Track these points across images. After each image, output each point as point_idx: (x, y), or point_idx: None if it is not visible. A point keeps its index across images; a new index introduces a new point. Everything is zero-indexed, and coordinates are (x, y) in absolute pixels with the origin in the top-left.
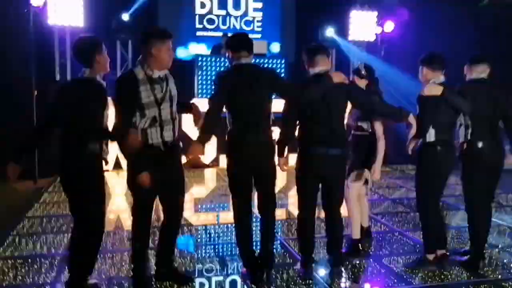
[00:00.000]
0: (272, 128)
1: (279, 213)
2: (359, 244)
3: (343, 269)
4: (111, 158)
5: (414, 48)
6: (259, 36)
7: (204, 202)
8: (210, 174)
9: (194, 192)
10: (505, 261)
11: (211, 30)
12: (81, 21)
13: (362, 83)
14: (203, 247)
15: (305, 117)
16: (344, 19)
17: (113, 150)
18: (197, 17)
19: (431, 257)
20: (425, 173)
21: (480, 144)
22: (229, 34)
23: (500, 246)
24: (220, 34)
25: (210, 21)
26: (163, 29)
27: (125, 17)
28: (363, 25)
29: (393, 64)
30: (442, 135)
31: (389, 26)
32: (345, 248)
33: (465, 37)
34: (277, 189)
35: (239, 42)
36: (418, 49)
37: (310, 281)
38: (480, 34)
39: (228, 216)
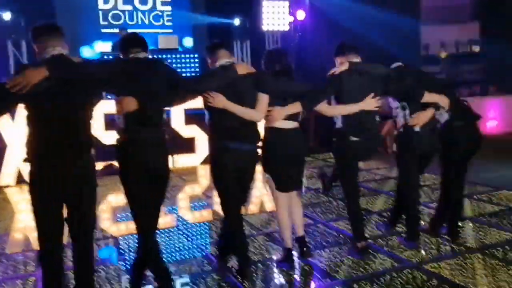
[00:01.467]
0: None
1: (206, 214)
2: (291, 253)
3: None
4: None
5: (326, 34)
6: (170, 31)
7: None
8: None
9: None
10: (426, 246)
11: (117, 26)
12: None
13: None
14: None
15: (213, 110)
16: (256, 9)
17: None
18: (101, 13)
19: None
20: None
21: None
22: (128, 29)
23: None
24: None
25: (116, 17)
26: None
27: (7, 16)
28: (276, 15)
29: (308, 51)
30: None
31: (301, 14)
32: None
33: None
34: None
35: (129, 42)
36: (331, 35)
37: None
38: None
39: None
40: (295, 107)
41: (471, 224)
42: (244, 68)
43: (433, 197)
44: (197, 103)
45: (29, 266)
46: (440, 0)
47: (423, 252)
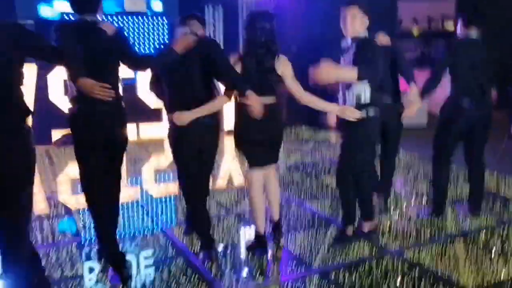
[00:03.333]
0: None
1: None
2: (264, 240)
3: (214, 252)
4: None
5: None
6: None
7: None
8: None
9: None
10: (405, 231)
11: None
12: None
13: None
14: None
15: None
16: None
17: None
18: None
19: None
20: None
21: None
22: None
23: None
24: None
25: None
26: None
27: None
28: None
29: (284, 22)
30: None
31: None
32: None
33: None
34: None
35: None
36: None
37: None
38: None
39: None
40: None
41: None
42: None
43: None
44: None
45: None
46: None
47: None
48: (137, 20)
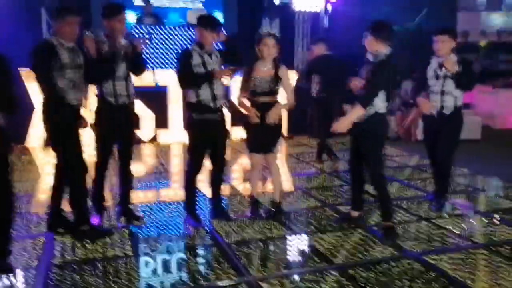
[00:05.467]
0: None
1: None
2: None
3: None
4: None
5: (359, 18)
6: (200, 5)
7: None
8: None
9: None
10: (423, 234)
11: None
12: None
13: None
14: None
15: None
16: None
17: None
18: None
19: None
20: None
21: None
22: (152, 2)
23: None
24: (160, 4)
25: None
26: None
27: None
28: None
29: (337, 35)
30: None
31: None
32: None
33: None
34: None
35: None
36: (363, 19)
37: None
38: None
39: (169, 193)
40: None
41: (483, 219)
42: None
43: None
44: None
45: (41, 227)
46: None
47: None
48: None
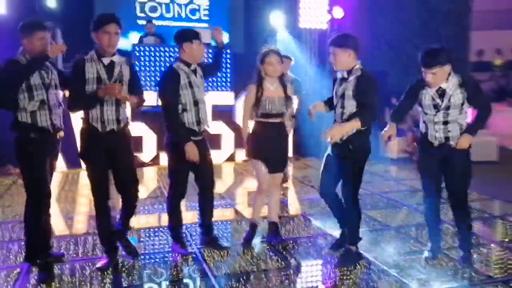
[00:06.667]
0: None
1: (228, 213)
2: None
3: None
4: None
5: (366, 35)
6: (206, 25)
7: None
8: (150, 173)
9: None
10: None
11: (154, 18)
12: (2, 7)
13: None
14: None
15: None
16: (295, 6)
17: None
18: (137, 4)
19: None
20: None
21: None
22: (153, 21)
23: None
24: (166, 23)
25: (152, 9)
26: (37, 22)
27: (51, 3)
28: (313, 11)
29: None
30: None
31: (338, 12)
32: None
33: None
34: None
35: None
36: (371, 36)
37: None
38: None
39: (158, 219)
40: None
41: (499, 249)
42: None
43: None
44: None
45: (20, 257)
46: (495, 4)
47: None
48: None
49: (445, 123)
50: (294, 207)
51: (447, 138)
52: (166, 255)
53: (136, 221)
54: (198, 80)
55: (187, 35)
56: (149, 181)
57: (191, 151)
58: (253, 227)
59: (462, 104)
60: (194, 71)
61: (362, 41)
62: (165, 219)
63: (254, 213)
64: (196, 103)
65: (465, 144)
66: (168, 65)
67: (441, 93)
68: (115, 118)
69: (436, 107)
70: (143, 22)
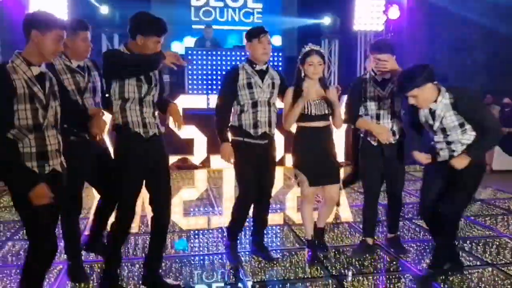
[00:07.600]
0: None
1: (277, 218)
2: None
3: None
4: None
5: (422, 37)
6: None
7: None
8: (200, 175)
9: (184, 195)
10: (486, 284)
11: (208, 23)
12: (65, 14)
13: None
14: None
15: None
16: (349, 8)
17: None
18: (192, 9)
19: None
20: None
21: None
22: (213, 26)
23: None
24: (219, 27)
25: (207, 13)
26: (78, 21)
27: (104, 10)
28: (369, 14)
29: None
30: None
31: (394, 12)
32: None
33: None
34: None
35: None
36: (427, 38)
37: None
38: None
39: (220, 220)
40: None
41: None
42: None
43: None
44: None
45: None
46: None
47: None
48: None
49: (448, 143)
50: (341, 214)
51: (451, 157)
52: (211, 257)
53: (185, 223)
54: (263, 82)
55: (247, 35)
56: (199, 183)
57: (222, 152)
58: (311, 245)
59: (463, 124)
60: (261, 73)
61: (421, 43)
62: (214, 222)
63: (307, 230)
64: (254, 104)
65: (458, 166)
66: (220, 68)
67: (432, 114)
68: (154, 121)
69: (431, 127)
70: (198, 26)
